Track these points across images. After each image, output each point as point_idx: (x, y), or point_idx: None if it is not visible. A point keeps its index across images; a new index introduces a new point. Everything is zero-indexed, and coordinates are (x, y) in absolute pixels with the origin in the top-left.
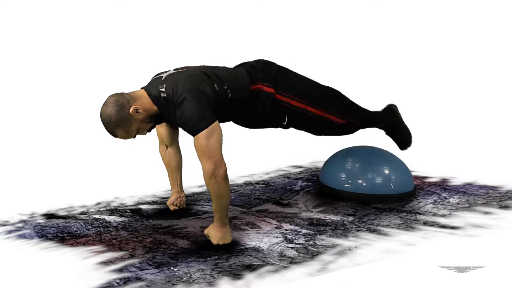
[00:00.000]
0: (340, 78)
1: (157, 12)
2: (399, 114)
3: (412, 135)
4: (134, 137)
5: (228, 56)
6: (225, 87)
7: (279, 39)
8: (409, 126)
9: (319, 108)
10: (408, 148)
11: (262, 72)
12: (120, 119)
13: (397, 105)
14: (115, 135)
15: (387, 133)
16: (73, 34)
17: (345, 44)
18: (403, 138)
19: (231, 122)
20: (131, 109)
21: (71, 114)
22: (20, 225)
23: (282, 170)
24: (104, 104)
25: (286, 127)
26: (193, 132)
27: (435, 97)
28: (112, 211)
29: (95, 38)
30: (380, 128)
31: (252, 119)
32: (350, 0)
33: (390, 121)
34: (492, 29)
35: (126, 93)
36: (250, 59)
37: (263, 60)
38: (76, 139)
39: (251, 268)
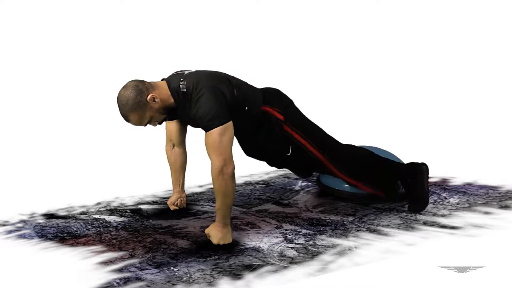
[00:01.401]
0: (340, 79)
1: (156, 13)
2: (426, 176)
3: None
4: (145, 125)
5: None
6: (243, 95)
7: (279, 40)
8: (409, 126)
9: (325, 157)
10: (415, 213)
11: (274, 98)
12: (137, 103)
13: (428, 166)
14: (127, 119)
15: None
16: (72, 35)
17: (345, 45)
18: (416, 199)
19: None
20: (148, 96)
21: (71, 114)
22: (20, 225)
23: (282, 170)
24: (123, 87)
25: (286, 160)
26: (207, 127)
27: (435, 97)
28: (112, 211)
29: (93, 39)
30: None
31: (258, 139)
32: (350, 1)
33: (411, 176)
34: (492, 29)
35: (147, 81)
36: (250, 60)
37: (277, 89)
38: (76, 139)
39: (251, 268)
